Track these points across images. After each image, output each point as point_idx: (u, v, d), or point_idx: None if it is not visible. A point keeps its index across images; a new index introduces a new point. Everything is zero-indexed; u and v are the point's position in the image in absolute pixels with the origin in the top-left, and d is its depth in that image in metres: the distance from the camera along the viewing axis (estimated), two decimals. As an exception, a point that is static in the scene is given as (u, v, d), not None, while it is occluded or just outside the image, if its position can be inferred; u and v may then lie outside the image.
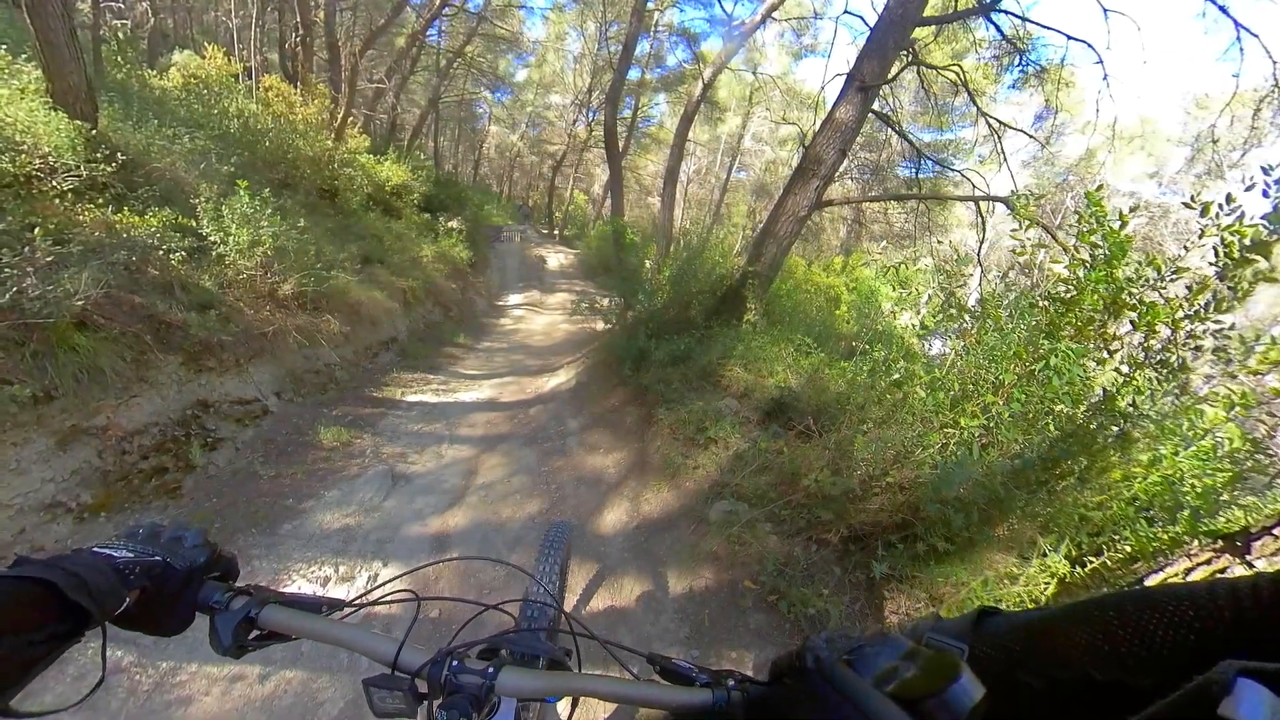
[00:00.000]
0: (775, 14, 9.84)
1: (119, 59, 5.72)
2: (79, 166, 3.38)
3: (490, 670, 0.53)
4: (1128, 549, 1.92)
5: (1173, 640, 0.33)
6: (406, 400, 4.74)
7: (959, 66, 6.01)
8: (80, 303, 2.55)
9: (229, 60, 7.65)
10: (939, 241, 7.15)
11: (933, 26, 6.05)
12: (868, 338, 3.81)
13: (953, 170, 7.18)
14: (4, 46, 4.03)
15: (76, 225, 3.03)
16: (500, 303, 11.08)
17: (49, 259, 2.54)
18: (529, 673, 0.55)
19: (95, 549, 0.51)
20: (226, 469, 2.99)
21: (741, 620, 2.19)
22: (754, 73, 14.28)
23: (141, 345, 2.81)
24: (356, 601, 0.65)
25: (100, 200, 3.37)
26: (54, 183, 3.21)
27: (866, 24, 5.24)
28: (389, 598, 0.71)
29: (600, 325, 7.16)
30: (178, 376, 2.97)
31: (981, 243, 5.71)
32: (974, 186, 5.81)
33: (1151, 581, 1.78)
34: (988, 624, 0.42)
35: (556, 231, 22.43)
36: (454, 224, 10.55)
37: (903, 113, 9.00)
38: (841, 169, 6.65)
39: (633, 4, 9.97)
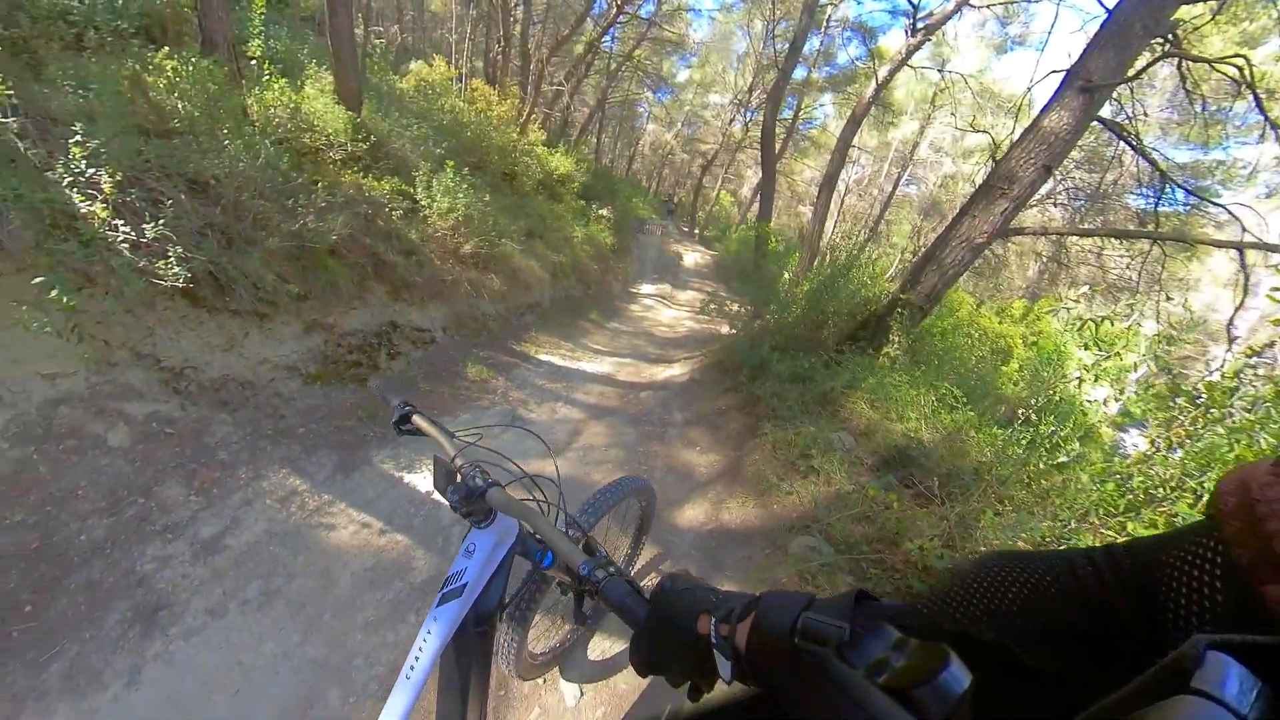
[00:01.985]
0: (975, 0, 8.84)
1: (375, 66, 7.43)
2: (346, 144, 4.53)
3: (489, 481, 0.90)
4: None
5: (1027, 599, 0.36)
6: (538, 358, 5.38)
7: (1243, 57, 4.24)
8: (334, 237, 3.47)
9: (448, 67, 9.39)
10: (1169, 299, 5.22)
11: (1212, 1, 4.47)
12: (1036, 405, 3.22)
13: (1215, 204, 5.14)
14: (314, 61, 5.60)
15: (340, 184, 4.09)
16: (633, 290, 11.74)
17: (322, 205, 3.49)
18: (505, 495, 0.89)
19: None
20: (398, 375, 3.82)
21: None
22: (940, 70, 12.76)
23: (364, 274, 3.72)
24: (456, 437, 1.05)
25: (356, 168, 4.49)
26: (330, 154, 4.36)
27: (1104, 5, 4.04)
28: (469, 438, 1.08)
29: (725, 329, 7.08)
30: (381, 301, 3.87)
31: (1238, 308, 4.11)
32: (1244, 229, 4.22)
33: None
34: (865, 607, 0.42)
35: (697, 230, 22.83)
36: (604, 212, 11.46)
37: (1147, 122, 6.64)
38: (1043, 190, 5.44)
39: (803, 0, 9.78)
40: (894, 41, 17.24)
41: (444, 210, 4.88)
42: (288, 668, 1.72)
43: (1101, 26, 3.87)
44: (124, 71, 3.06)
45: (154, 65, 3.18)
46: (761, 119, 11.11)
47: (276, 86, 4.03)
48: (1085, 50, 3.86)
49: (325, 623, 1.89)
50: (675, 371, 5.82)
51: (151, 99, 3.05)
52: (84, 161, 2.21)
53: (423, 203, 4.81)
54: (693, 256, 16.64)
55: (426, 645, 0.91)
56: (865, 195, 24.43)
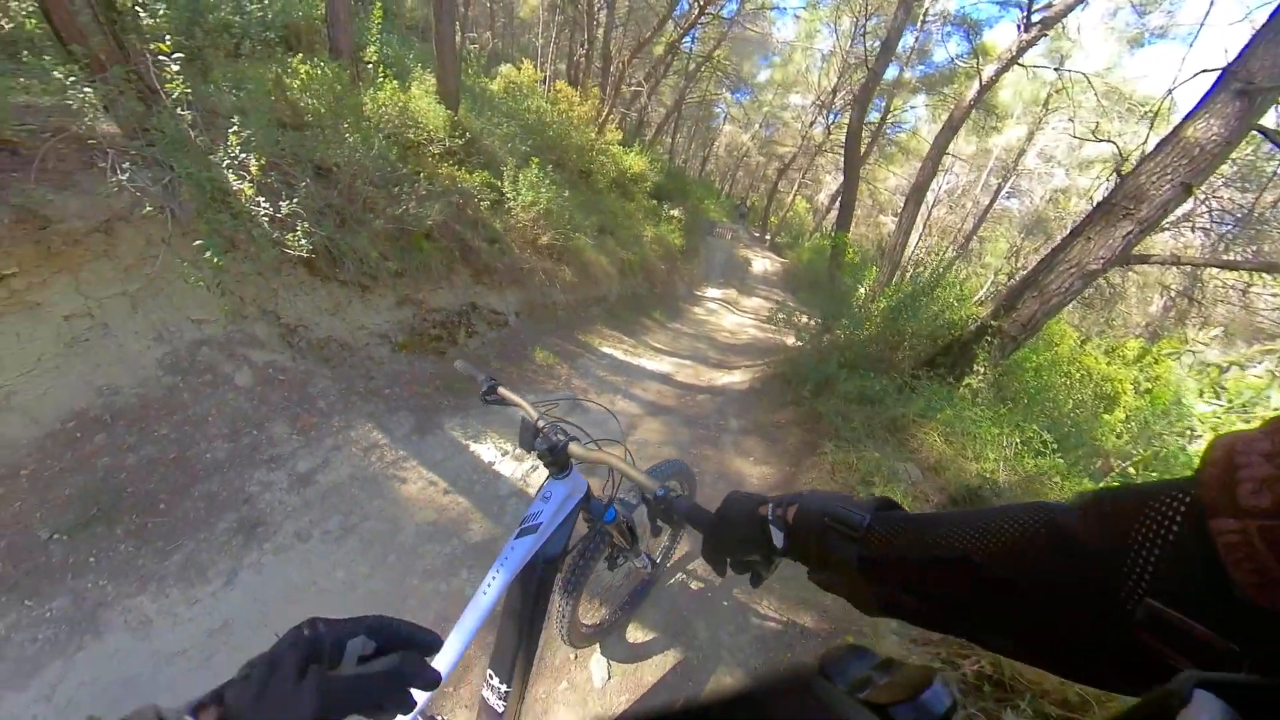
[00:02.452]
0: (1104, -14, 7.95)
1: (469, 70, 7.99)
2: (445, 139, 4.93)
3: (564, 438, 1.09)
4: None
5: (1019, 543, 0.39)
6: (601, 350, 5.53)
7: None
8: (430, 223, 3.79)
9: (534, 70, 9.90)
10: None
11: None
12: (1140, 459, 2.69)
13: None
14: (419, 65, 6.13)
15: (437, 176, 4.46)
16: (698, 292, 11.72)
17: (422, 193, 3.84)
18: (582, 448, 1.07)
19: None
20: (474, 352, 4.10)
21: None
22: (1057, 69, 11.34)
23: (452, 257, 4.04)
24: (532, 400, 1.22)
25: (451, 161, 4.87)
26: (430, 148, 4.76)
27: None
28: (545, 405, 1.26)
29: (791, 340, 6.73)
30: (465, 283, 4.18)
31: None
32: None
33: None
34: (888, 513, 0.49)
35: (768, 236, 22.30)
36: (675, 212, 11.56)
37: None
38: (1179, 212, 4.63)
39: (902, -7, 9.29)
40: (1002, 37, 15.89)
41: (527, 203, 5.17)
42: (353, 596, 1.96)
43: (1270, 17, 3.30)
44: (269, 74, 3.55)
45: (291, 69, 3.65)
46: (847, 121, 10.60)
47: (389, 87, 4.46)
48: (1247, 45, 3.23)
49: (389, 563, 2.13)
50: (735, 378, 5.73)
51: (288, 97, 3.51)
52: (238, 148, 2.60)
53: (508, 195, 5.13)
54: (762, 263, 16.30)
55: (501, 571, 1.04)
56: (957, 207, 22.51)
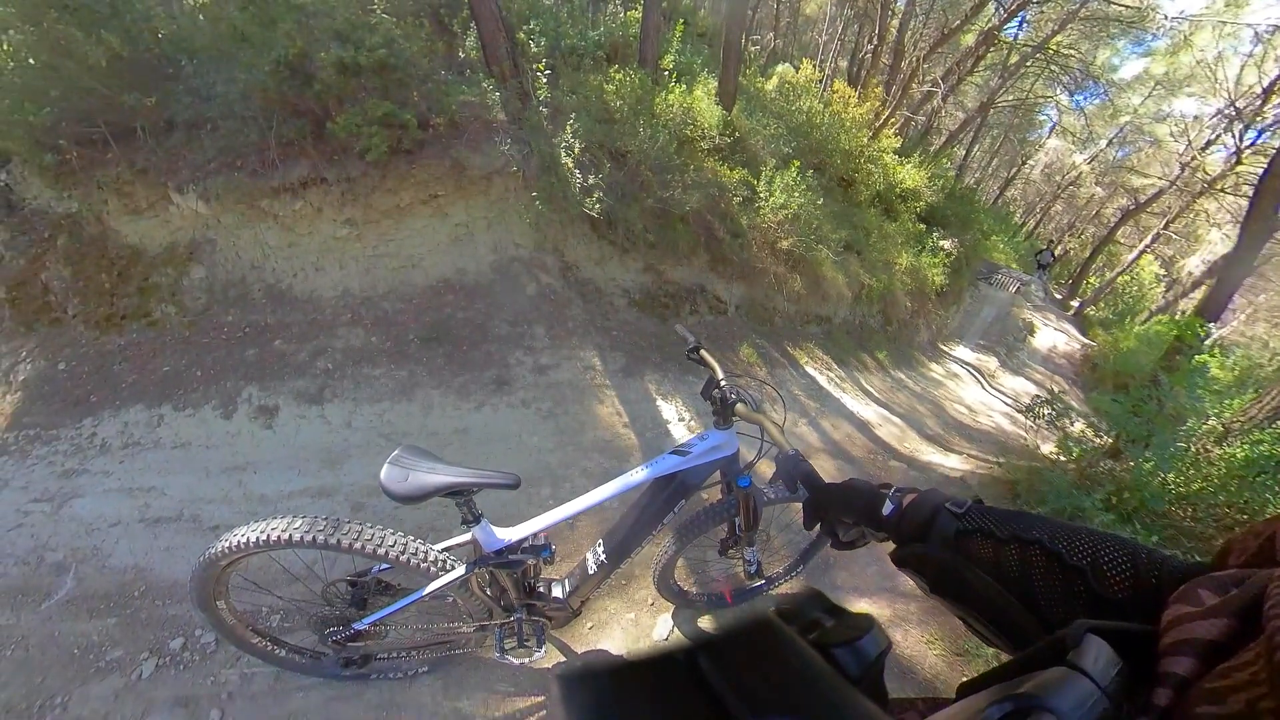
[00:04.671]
0: None
1: (747, 70, 8.72)
2: (715, 137, 5.66)
3: (736, 397, 1.38)
4: None
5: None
6: (805, 368, 5.53)
7: None
8: (687, 208, 4.50)
9: (814, 69, 10.12)
10: None
11: None
12: None
13: None
14: (705, 69, 7.05)
15: (702, 168, 5.20)
16: (944, 346, 10.21)
17: (688, 183, 4.57)
18: (747, 409, 1.36)
19: None
20: (690, 326, 4.73)
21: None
22: None
23: (697, 242, 4.72)
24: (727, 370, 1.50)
25: (717, 157, 5.57)
26: (701, 144, 5.54)
27: None
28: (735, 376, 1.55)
29: (1048, 448, 5.21)
30: (701, 266, 4.90)
31: None
32: None
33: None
34: (979, 507, 0.63)
35: (1075, 302, 17.47)
36: (946, 244, 10.13)
37: None
38: None
39: None
40: None
41: (776, 205, 5.53)
42: (534, 459, 2.88)
43: None
44: (593, 81, 4.73)
45: (608, 77, 4.78)
46: (1273, 145, 6.05)
47: (677, 91, 5.38)
48: None
49: (565, 451, 2.99)
50: (947, 463, 4.91)
51: (604, 99, 4.62)
52: (570, 135, 3.67)
53: (760, 194, 5.57)
54: (1052, 336, 13.08)
55: (647, 469, 1.44)
56: None
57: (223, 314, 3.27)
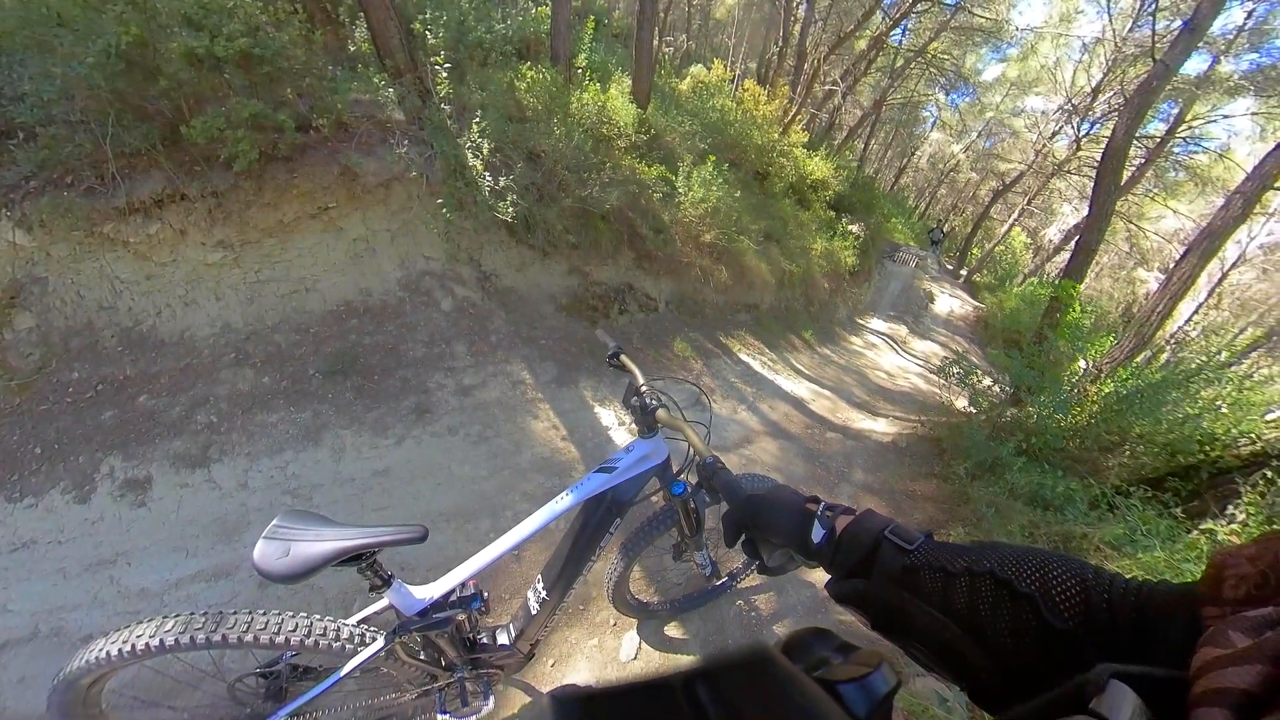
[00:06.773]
0: None
1: (662, 71, 8.72)
2: (631, 135, 5.55)
3: (657, 403, 1.30)
4: None
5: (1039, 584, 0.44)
6: (739, 356, 5.59)
7: None
8: (608, 206, 4.34)
9: (724, 70, 10.34)
10: None
11: None
12: None
13: None
14: (619, 68, 6.95)
15: (620, 166, 5.05)
16: (861, 321, 10.84)
17: (606, 180, 4.41)
18: (668, 415, 1.27)
19: None
20: (621, 328, 4.61)
21: None
22: None
23: (620, 240, 4.58)
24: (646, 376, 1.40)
25: (634, 155, 5.45)
26: (618, 142, 5.40)
27: None
28: (656, 380, 1.42)
29: (962, 403, 5.67)
30: (627, 265, 4.76)
31: None
32: None
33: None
34: (935, 540, 0.56)
35: (964, 271, 19.55)
36: (854, 228, 10.90)
37: None
38: None
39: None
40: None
41: (696, 199, 5.51)
42: (468, 490, 2.60)
43: None
44: (503, 78, 4.45)
45: (520, 74, 4.52)
46: (1110, 132, 7.20)
47: (591, 89, 5.20)
48: None
49: (502, 475, 2.73)
50: (876, 427, 5.27)
51: (515, 97, 4.36)
52: (477, 134, 3.38)
53: (679, 190, 5.54)
54: (949, 302, 14.35)
55: (572, 494, 1.30)
56: (1277, 273, 15.89)
57: (65, 371, 2.61)
